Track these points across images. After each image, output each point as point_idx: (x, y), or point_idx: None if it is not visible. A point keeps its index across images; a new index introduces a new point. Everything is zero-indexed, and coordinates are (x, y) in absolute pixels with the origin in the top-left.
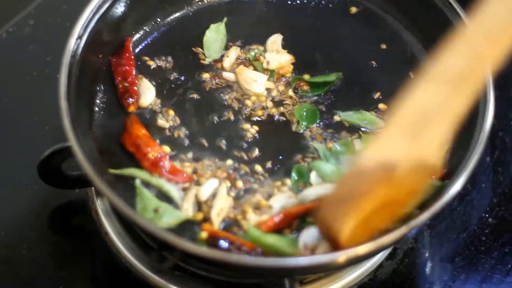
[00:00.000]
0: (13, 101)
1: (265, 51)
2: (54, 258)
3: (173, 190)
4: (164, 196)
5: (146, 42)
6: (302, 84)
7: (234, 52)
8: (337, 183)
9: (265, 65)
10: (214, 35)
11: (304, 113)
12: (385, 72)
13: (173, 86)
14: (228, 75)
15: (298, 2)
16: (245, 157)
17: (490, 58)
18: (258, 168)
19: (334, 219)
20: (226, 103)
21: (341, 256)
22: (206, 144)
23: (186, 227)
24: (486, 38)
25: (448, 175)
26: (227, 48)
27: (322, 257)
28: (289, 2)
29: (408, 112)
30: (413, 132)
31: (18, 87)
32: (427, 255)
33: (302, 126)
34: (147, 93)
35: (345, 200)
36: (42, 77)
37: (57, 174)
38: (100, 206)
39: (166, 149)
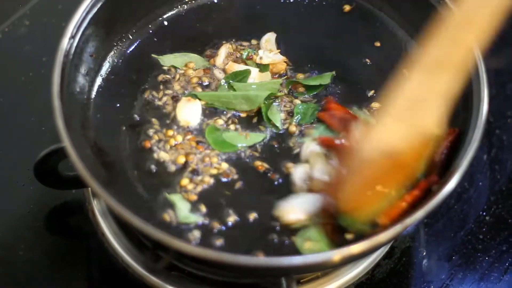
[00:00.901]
0: (9, 101)
1: (258, 49)
2: (51, 258)
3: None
4: None
5: (140, 41)
6: (297, 86)
7: (225, 50)
8: (343, 170)
9: (257, 60)
10: None
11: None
12: (379, 69)
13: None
14: (217, 73)
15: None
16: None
17: (467, 42)
18: None
19: (351, 209)
20: None
21: (335, 255)
22: None
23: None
24: (461, 23)
25: (443, 173)
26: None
27: (316, 256)
28: (281, 0)
29: (401, 101)
30: (408, 117)
31: (14, 87)
32: (424, 253)
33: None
34: None
35: (353, 187)
36: (38, 77)
37: (53, 175)
38: (96, 206)
39: None
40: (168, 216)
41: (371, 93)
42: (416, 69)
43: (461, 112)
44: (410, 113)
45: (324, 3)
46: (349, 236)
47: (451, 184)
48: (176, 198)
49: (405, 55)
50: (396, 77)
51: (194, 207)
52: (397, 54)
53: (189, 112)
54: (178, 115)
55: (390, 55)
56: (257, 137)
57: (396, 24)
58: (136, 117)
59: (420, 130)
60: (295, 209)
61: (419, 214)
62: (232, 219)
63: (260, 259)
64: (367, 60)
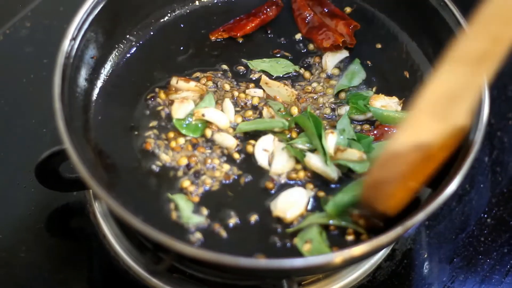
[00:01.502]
0: (10, 103)
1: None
2: (52, 260)
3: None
4: None
5: (141, 42)
6: None
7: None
8: (375, 167)
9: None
10: None
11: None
12: (381, 71)
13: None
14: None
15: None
16: None
17: (506, 38)
18: None
19: (378, 202)
20: None
21: (337, 257)
22: None
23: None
24: (500, 19)
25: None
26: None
27: (317, 258)
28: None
29: (435, 94)
30: (442, 112)
31: (15, 89)
32: (425, 256)
33: None
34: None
35: (386, 183)
36: (39, 79)
37: (54, 177)
38: (98, 208)
39: None
40: (169, 217)
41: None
42: (450, 61)
43: None
44: (443, 108)
45: None
46: (350, 237)
47: (452, 186)
48: (179, 198)
49: (406, 57)
50: (398, 81)
51: (197, 208)
52: (398, 57)
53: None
54: (174, 117)
55: (392, 57)
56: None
57: (397, 26)
58: (137, 119)
59: (453, 124)
60: (290, 205)
61: (420, 216)
62: (233, 221)
63: (261, 261)
64: (368, 62)
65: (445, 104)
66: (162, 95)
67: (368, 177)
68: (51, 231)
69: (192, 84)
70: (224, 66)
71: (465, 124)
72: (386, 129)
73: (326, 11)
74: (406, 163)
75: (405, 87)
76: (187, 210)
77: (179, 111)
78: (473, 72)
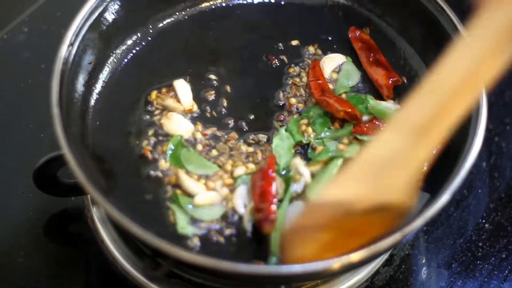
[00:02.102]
0: (8, 108)
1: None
2: (50, 266)
3: None
4: None
5: (139, 47)
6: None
7: None
8: (299, 214)
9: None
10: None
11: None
12: None
13: None
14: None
15: (288, 6)
16: None
17: (456, 110)
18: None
19: (293, 245)
20: None
21: (335, 263)
22: None
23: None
24: (452, 89)
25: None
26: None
27: (315, 265)
28: (282, 3)
29: (370, 158)
30: (372, 178)
31: (13, 94)
32: (423, 261)
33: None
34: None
35: (305, 228)
36: (37, 84)
37: (53, 182)
38: (96, 214)
39: None
40: (167, 223)
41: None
42: (392, 127)
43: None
44: (375, 174)
45: (324, 10)
46: None
47: (450, 192)
48: (176, 208)
49: (404, 64)
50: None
51: (193, 219)
52: (396, 63)
53: (175, 123)
54: (165, 128)
55: (390, 64)
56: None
57: (395, 32)
58: (135, 124)
59: (384, 195)
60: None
61: (418, 222)
62: (229, 231)
63: (259, 267)
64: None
65: (377, 170)
66: (160, 100)
67: (291, 223)
68: (49, 236)
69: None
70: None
71: (403, 201)
72: (377, 123)
73: (372, 58)
74: (326, 216)
75: (403, 93)
76: (182, 221)
77: (169, 122)
78: (413, 143)
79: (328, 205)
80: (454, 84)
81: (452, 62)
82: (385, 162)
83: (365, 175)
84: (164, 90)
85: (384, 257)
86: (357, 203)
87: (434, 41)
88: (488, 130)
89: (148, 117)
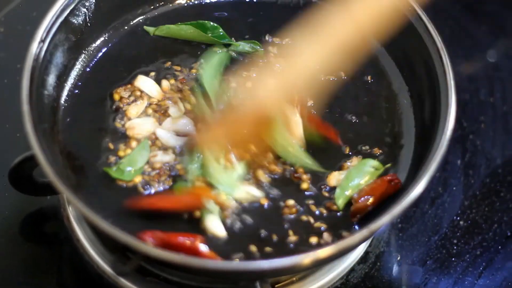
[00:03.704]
0: None
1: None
2: (26, 265)
3: None
4: None
5: (110, 45)
6: None
7: None
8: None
9: None
10: None
11: None
12: None
13: None
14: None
15: (260, 4)
16: None
17: None
18: None
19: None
20: None
21: (304, 259)
22: None
23: None
24: None
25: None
26: None
27: (284, 260)
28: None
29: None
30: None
31: None
32: (398, 258)
33: None
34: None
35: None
36: (12, 84)
37: (28, 181)
38: (72, 212)
39: None
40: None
41: None
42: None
43: (427, 118)
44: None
45: None
46: (313, 240)
47: (418, 189)
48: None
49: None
50: None
51: None
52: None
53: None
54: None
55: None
56: None
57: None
58: (105, 121)
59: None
60: None
61: (385, 218)
62: None
63: (226, 263)
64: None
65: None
66: (130, 98)
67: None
68: (24, 235)
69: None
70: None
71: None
72: None
73: None
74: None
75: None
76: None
77: (132, 111)
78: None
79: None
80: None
81: None
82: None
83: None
84: (129, 86)
85: (359, 254)
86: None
87: (404, 41)
88: (462, 128)
89: (117, 114)
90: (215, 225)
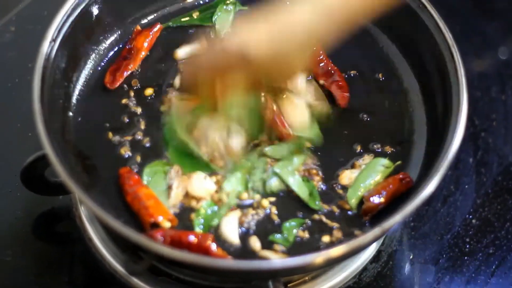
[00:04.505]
0: None
1: None
2: (39, 265)
3: None
4: None
5: (121, 44)
6: None
7: None
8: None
9: None
10: None
11: None
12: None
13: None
14: None
15: None
16: None
17: None
18: None
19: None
20: None
21: (316, 258)
22: None
23: None
24: None
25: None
26: None
27: (297, 260)
28: None
29: (278, 21)
30: (276, 36)
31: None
32: (411, 257)
33: None
34: None
35: (205, 68)
36: (24, 83)
37: (40, 181)
38: (84, 212)
39: None
40: None
41: None
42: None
43: (439, 116)
44: (278, 33)
45: None
46: (326, 238)
47: (430, 187)
48: None
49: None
50: None
51: None
52: (371, 54)
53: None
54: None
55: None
56: None
57: (376, 28)
58: (116, 120)
59: (280, 52)
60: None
61: (397, 217)
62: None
63: (239, 263)
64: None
65: (281, 32)
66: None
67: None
68: (37, 235)
69: None
70: None
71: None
72: None
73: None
74: (225, 58)
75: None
76: None
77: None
78: (321, 20)
79: (230, 48)
80: None
81: None
82: (291, 29)
83: (271, 31)
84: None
85: (372, 253)
86: (256, 51)
87: (416, 38)
88: (474, 126)
89: (127, 113)
90: (230, 230)
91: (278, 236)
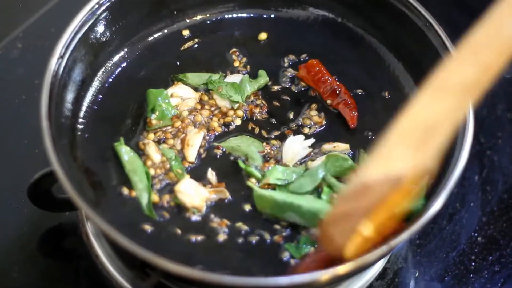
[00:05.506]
0: (2, 124)
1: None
2: (45, 281)
3: None
4: None
5: (128, 61)
6: None
7: None
8: (341, 199)
9: None
10: None
11: None
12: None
13: None
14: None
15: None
16: None
17: (495, 66)
18: None
19: (339, 236)
20: None
21: (323, 276)
22: None
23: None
24: (492, 46)
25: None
26: None
27: (303, 277)
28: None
29: (411, 123)
30: (417, 142)
31: (7, 110)
32: (417, 274)
33: None
34: None
35: (350, 216)
36: (31, 100)
37: (47, 197)
38: (90, 228)
39: None
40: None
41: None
42: (432, 89)
43: None
44: (419, 138)
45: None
46: None
47: (437, 205)
48: None
49: (391, 79)
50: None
51: None
52: (384, 77)
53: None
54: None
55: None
56: None
57: (383, 47)
58: (123, 137)
59: (425, 160)
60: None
61: (404, 235)
62: (222, 237)
63: (246, 279)
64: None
65: (421, 135)
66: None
67: (331, 212)
68: (43, 251)
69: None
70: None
71: (431, 166)
72: None
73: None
74: (374, 196)
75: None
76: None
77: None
78: (455, 102)
79: (375, 184)
80: (495, 40)
81: (491, 19)
82: (428, 124)
83: (410, 139)
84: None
85: (378, 270)
86: (405, 173)
87: (422, 57)
88: (480, 144)
89: (135, 130)
90: None
91: None
